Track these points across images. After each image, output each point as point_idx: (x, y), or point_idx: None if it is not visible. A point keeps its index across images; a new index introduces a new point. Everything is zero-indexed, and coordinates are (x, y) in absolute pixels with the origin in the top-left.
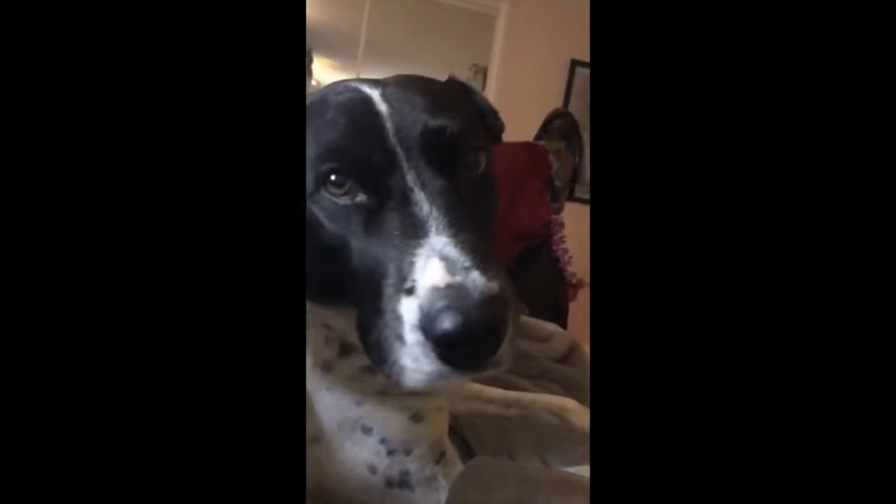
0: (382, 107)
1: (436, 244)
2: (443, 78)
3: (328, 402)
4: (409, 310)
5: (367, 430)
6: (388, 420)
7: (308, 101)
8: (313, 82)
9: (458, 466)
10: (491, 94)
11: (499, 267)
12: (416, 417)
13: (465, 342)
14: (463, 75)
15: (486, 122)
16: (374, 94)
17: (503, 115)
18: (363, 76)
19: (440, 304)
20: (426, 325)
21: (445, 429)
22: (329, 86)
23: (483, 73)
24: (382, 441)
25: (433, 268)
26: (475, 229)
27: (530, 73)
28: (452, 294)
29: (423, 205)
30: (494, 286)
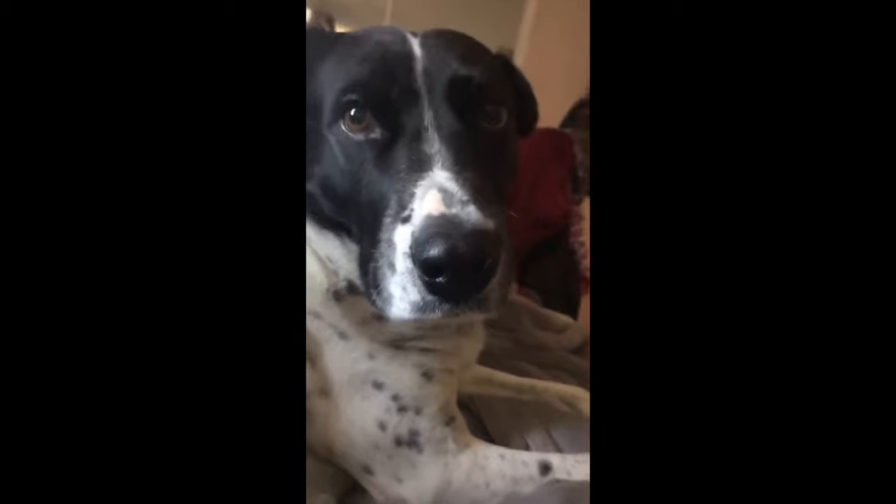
0: (417, 50)
1: (437, 177)
2: None
3: (339, 353)
4: (402, 237)
5: (378, 385)
6: (401, 376)
7: (346, 34)
8: None
9: (467, 435)
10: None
11: (500, 210)
12: (427, 375)
13: (450, 270)
14: None
15: (522, 104)
16: (414, 39)
17: None
18: None
19: (432, 230)
20: (415, 250)
21: (454, 392)
22: (373, 27)
23: (509, 55)
24: (394, 398)
25: (431, 198)
26: (482, 173)
27: (557, 59)
28: (444, 223)
29: (434, 142)
30: (489, 223)
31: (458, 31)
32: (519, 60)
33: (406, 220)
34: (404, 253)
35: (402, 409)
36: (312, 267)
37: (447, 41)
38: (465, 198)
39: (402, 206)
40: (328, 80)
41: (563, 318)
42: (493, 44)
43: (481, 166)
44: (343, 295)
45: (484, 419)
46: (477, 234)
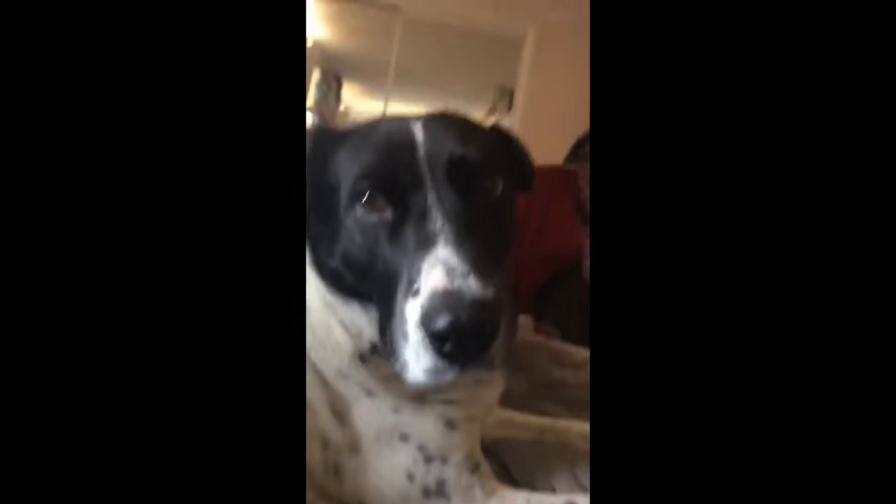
0: (420, 135)
1: (441, 254)
2: (473, 103)
3: (367, 409)
4: (412, 310)
5: (404, 438)
6: (425, 427)
7: (356, 127)
8: (341, 108)
9: (493, 482)
10: (517, 115)
11: (499, 279)
12: (451, 425)
13: (455, 338)
14: (489, 97)
15: (520, 168)
16: (416, 125)
17: (529, 137)
18: (391, 100)
19: (437, 303)
20: (425, 322)
21: (478, 439)
22: (378, 119)
23: (509, 95)
24: (420, 448)
25: (436, 274)
26: (482, 245)
27: (556, 96)
28: (448, 297)
29: (438, 220)
30: (488, 293)
31: (455, 114)
32: (519, 100)
33: (415, 294)
34: (415, 324)
35: (428, 459)
36: (338, 333)
37: (445, 125)
38: (465, 271)
39: (412, 281)
40: (343, 170)
41: (582, 353)
42: (493, 83)
43: (481, 237)
44: (367, 356)
45: (508, 464)
46: (478, 304)
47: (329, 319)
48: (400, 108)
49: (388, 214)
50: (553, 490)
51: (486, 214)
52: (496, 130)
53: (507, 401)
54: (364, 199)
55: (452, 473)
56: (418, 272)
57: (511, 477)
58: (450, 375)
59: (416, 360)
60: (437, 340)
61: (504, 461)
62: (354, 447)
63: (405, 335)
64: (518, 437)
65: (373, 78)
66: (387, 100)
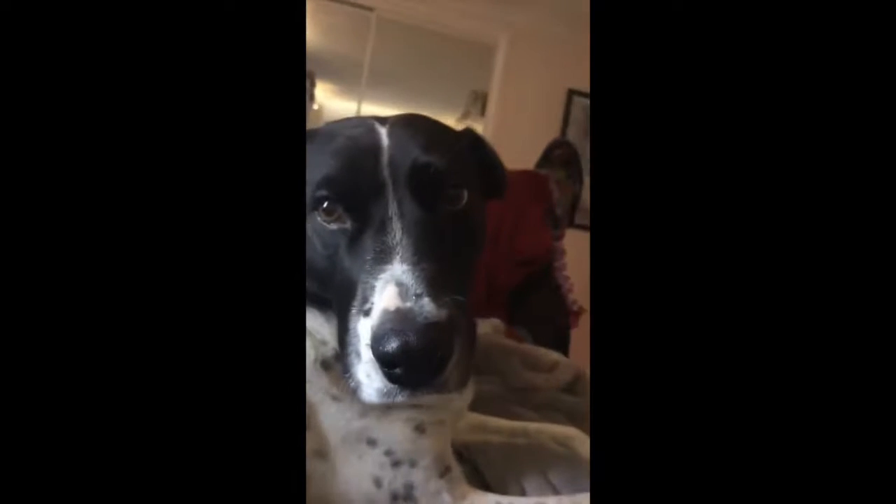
0: (384, 140)
1: (396, 271)
2: (447, 107)
3: (333, 413)
4: (364, 329)
5: (371, 442)
6: (393, 431)
7: (322, 128)
8: (315, 106)
9: (464, 486)
10: (490, 120)
11: (457, 298)
12: (420, 429)
13: (405, 362)
14: (463, 102)
15: (491, 173)
16: (382, 129)
17: (502, 141)
18: (365, 101)
19: (387, 326)
20: (375, 345)
21: (448, 443)
22: (346, 119)
23: (483, 99)
24: (387, 453)
25: (388, 293)
26: (442, 260)
27: (529, 101)
28: (399, 318)
29: (397, 233)
30: (441, 315)
31: (423, 117)
32: (492, 105)
33: (367, 312)
34: (367, 344)
35: (396, 464)
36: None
37: (412, 129)
38: (419, 291)
39: (365, 298)
40: (306, 173)
41: (553, 356)
42: (467, 88)
43: (441, 251)
44: (331, 364)
45: (480, 467)
46: (429, 327)
47: None
48: (374, 109)
49: (347, 224)
50: (524, 492)
51: (450, 225)
52: (468, 134)
53: (478, 405)
54: (323, 208)
55: (421, 478)
56: (372, 290)
57: (483, 480)
58: (400, 398)
59: (369, 380)
60: (387, 364)
61: (476, 464)
62: (321, 453)
63: (358, 354)
64: (490, 441)
65: (347, 78)
66: (360, 101)
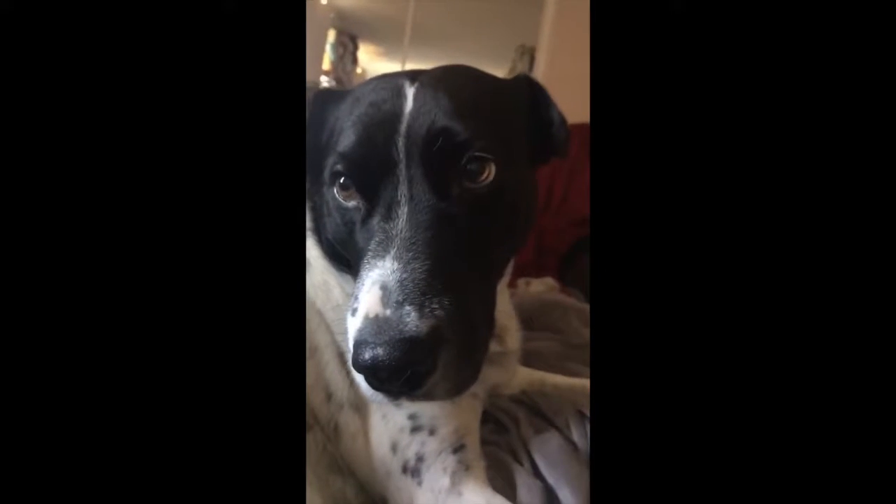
0: (408, 105)
1: (385, 270)
2: (492, 63)
3: None
4: (351, 329)
5: (398, 403)
6: None
7: (352, 91)
8: (358, 70)
9: (475, 473)
10: (539, 74)
11: (452, 301)
12: None
13: (376, 377)
14: (509, 57)
15: (549, 129)
16: (410, 90)
17: (552, 96)
18: (409, 62)
19: (364, 334)
20: (353, 351)
21: (475, 418)
22: (380, 77)
23: (530, 53)
24: (411, 416)
25: (371, 296)
26: (445, 255)
27: (579, 53)
28: (375, 328)
29: (400, 221)
30: (422, 327)
31: (463, 69)
32: (541, 59)
33: (354, 312)
34: (351, 345)
35: (415, 430)
36: (337, 293)
37: (442, 87)
38: (401, 298)
39: (356, 295)
40: (331, 142)
41: None
42: (513, 43)
43: (449, 243)
44: None
45: (538, 403)
46: (403, 342)
47: (329, 280)
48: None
49: (360, 203)
50: (584, 420)
51: (469, 208)
52: (521, 83)
53: (537, 363)
54: (339, 183)
55: (433, 448)
56: (361, 287)
57: (540, 413)
58: (386, 401)
59: (359, 379)
60: (362, 373)
61: (535, 401)
62: (357, 405)
63: (349, 350)
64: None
65: (389, 38)
66: (404, 61)
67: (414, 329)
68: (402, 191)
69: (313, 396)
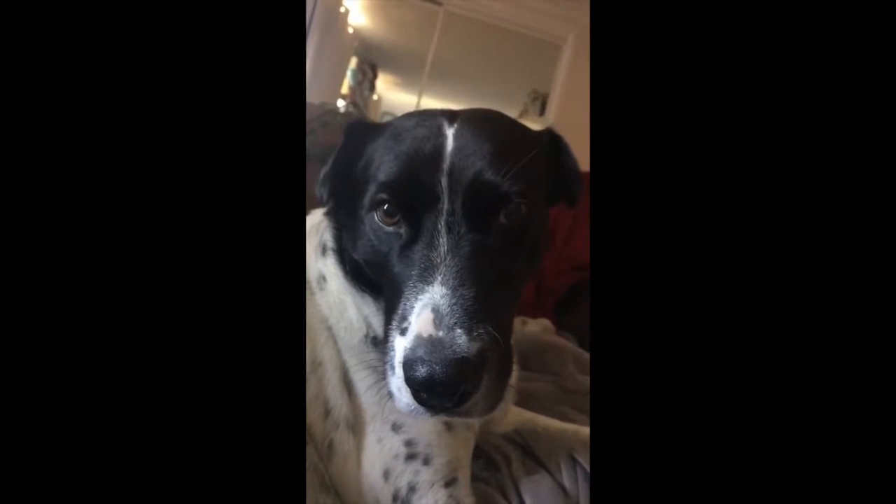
0: (450, 143)
1: (435, 295)
2: (505, 104)
3: (371, 388)
4: (399, 347)
5: (396, 428)
6: (424, 421)
7: (391, 124)
8: (374, 96)
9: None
10: (549, 120)
11: (492, 326)
12: (449, 425)
13: (428, 392)
14: (521, 100)
15: (566, 181)
16: (449, 131)
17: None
18: (425, 95)
19: (418, 353)
20: (405, 367)
21: (468, 449)
22: (416, 113)
23: (542, 99)
24: (407, 443)
25: (424, 318)
26: (485, 283)
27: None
28: (430, 347)
29: (442, 250)
30: (472, 349)
31: (498, 116)
32: (552, 105)
33: (404, 332)
34: (399, 362)
35: (410, 457)
36: (352, 313)
37: (482, 133)
38: (453, 321)
39: (404, 315)
40: (371, 169)
41: None
42: (527, 87)
43: (489, 272)
44: (379, 341)
45: (530, 443)
46: (457, 362)
47: (345, 299)
48: (433, 102)
49: (402, 229)
50: (575, 464)
51: (501, 243)
52: (547, 136)
53: (530, 404)
54: (382, 210)
55: (426, 479)
56: (411, 310)
57: (533, 455)
58: (426, 416)
59: (399, 394)
60: (414, 387)
61: (526, 442)
62: (353, 427)
63: (392, 367)
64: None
65: (408, 70)
66: (420, 94)
67: (465, 350)
68: (444, 221)
69: (311, 411)
